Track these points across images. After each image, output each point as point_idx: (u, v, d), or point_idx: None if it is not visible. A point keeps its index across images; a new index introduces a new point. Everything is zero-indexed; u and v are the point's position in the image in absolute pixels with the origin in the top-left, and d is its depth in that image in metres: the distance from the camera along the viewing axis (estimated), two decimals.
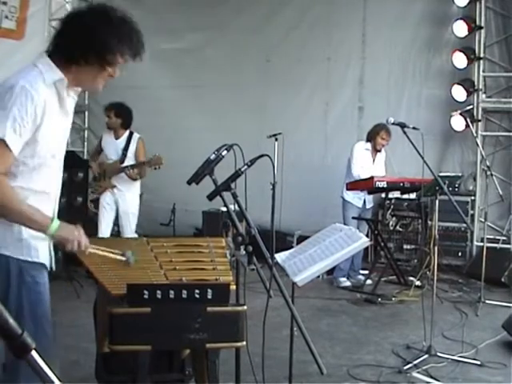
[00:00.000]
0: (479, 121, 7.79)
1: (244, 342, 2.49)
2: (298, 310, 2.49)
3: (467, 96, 7.72)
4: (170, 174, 7.00)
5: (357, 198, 7.13)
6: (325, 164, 8.69)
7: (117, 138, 6.70)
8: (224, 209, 2.61)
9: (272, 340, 4.22)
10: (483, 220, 6.99)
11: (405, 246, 7.89)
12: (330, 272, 6.94)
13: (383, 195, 7.63)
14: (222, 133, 7.59)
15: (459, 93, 7.73)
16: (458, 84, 7.73)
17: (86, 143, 10.01)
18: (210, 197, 2.58)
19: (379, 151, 7.17)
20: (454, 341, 4.96)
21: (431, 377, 4.17)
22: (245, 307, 2.50)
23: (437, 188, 4.82)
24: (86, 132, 9.89)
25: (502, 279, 6.93)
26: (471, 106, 7.79)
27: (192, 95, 9.06)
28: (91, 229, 6.83)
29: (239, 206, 2.55)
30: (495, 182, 6.78)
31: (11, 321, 1.17)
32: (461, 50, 7.68)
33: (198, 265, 2.82)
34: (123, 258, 2.64)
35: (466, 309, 6.02)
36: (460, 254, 7.79)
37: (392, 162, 7.92)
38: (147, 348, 2.42)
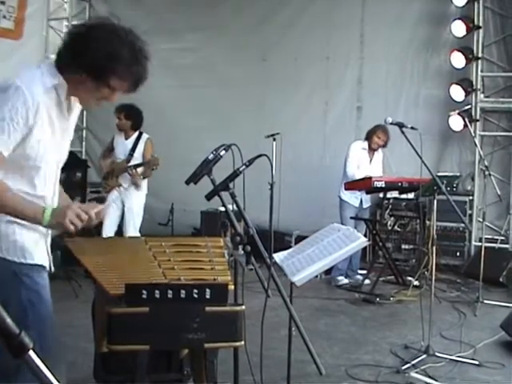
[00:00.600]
0: (477, 121, 7.79)
1: (242, 342, 2.49)
2: (296, 310, 2.50)
3: (465, 96, 7.72)
4: (169, 173, 7.00)
5: (354, 198, 7.13)
6: (323, 164, 8.69)
7: (126, 138, 6.80)
8: (222, 209, 2.61)
9: (270, 340, 4.22)
10: (481, 220, 7.00)
11: (403, 246, 7.90)
12: (328, 272, 6.95)
13: (381, 195, 7.64)
14: (220, 133, 7.60)
15: (457, 93, 7.74)
16: (456, 84, 7.74)
17: (84, 143, 10.02)
18: (209, 197, 2.58)
19: (375, 150, 7.17)
20: (452, 341, 4.96)
21: (429, 377, 4.17)
22: (243, 307, 2.50)
23: (435, 188, 4.83)
24: (84, 132, 9.90)
25: (500, 279, 6.94)
26: (469, 106, 7.80)
27: (190, 95, 9.06)
28: (91, 228, 6.83)
29: (237, 205, 2.55)
30: (493, 182, 6.79)
31: (9, 320, 1.17)
32: (459, 50, 7.68)
33: (197, 264, 2.82)
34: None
35: (464, 309, 6.03)
36: (458, 253, 7.80)
37: (390, 162, 7.93)
38: (145, 348, 2.42)
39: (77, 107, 2.45)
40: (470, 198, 7.89)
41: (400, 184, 6.74)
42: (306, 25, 8.65)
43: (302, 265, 2.98)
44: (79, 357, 4.17)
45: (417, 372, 4.25)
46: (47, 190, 2.39)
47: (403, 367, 4.30)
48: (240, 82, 8.85)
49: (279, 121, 8.46)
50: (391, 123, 4.78)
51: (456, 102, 7.75)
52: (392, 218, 7.80)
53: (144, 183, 6.82)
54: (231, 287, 2.62)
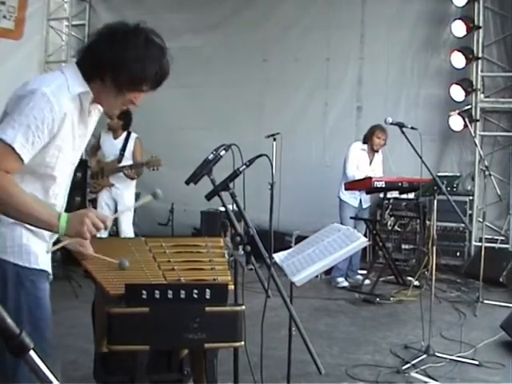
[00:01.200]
0: (477, 121, 7.80)
1: (242, 342, 2.49)
2: (297, 310, 2.50)
3: (465, 96, 7.73)
4: (169, 173, 7.01)
5: (353, 198, 7.13)
6: (323, 164, 8.70)
7: (115, 137, 6.82)
8: (222, 209, 2.61)
9: (270, 340, 4.22)
10: (481, 220, 7.01)
11: (403, 246, 7.90)
12: (329, 272, 6.95)
13: (381, 195, 7.64)
14: (220, 133, 7.61)
15: (457, 93, 7.74)
16: (457, 84, 7.74)
17: None
18: (209, 197, 2.58)
19: (377, 151, 7.18)
20: (452, 341, 4.95)
21: (429, 377, 4.17)
22: (243, 307, 2.50)
23: (435, 188, 4.83)
24: None
25: (501, 279, 6.94)
26: (469, 106, 7.80)
27: (190, 95, 9.06)
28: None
29: (237, 205, 2.55)
30: (493, 182, 6.79)
31: (9, 320, 1.17)
32: (459, 50, 7.69)
33: (197, 265, 2.82)
34: (116, 261, 2.60)
35: (464, 309, 6.03)
36: (458, 253, 7.80)
37: (390, 162, 7.93)
38: (145, 348, 2.42)
39: (96, 112, 2.40)
40: (470, 198, 7.90)
41: (400, 184, 6.74)
42: (306, 25, 8.65)
43: (302, 265, 2.98)
44: (79, 357, 4.17)
45: (417, 372, 4.25)
46: (59, 198, 2.37)
47: (403, 367, 4.30)
48: (240, 82, 8.84)
49: (279, 121, 8.47)
50: (391, 123, 4.78)
51: (456, 102, 7.75)
52: (392, 218, 7.80)
53: (133, 182, 6.92)
54: (231, 287, 2.62)
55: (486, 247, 6.47)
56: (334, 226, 3.38)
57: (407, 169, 6.98)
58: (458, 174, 7.76)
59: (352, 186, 6.94)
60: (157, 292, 2.37)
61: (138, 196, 8.16)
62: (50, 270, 2.38)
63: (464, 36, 7.72)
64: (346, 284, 7.12)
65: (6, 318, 1.16)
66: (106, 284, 2.52)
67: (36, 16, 8.95)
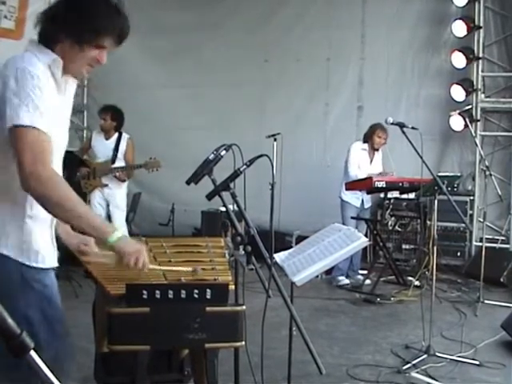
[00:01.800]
0: (478, 121, 7.80)
1: (243, 342, 2.49)
2: (297, 310, 2.49)
3: (466, 96, 7.73)
4: (169, 174, 7.01)
5: (355, 198, 7.13)
6: (324, 164, 8.70)
7: (107, 138, 6.90)
8: (223, 209, 2.61)
9: (271, 340, 4.22)
10: (482, 220, 7.01)
11: (404, 246, 7.90)
12: (329, 272, 6.95)
13: (382, 195, 7.64)
14: (220, 133, 7.61)
15: (458, 93, 7.74)
16: (457, 84, 7.74)
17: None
18: (209, 197, 2.58)
19: (377, 150, 7.18)
20: (453, 341, 4.96)
21: (430, 377, 4.17)
22: (244, 307, 2.50)
23: (436, 188, 4.82)
24: (84, 132, 9.89)
25: (501, 279, 6.94)
26: (470, 106, 7.80)
27: (191, 95, 9.06)
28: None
29: (238, 205, 2.55)
30: (494, 182, 6.79)
31: (10, 320, 1.17)
32: (460, 50, 7.69)
33: (197, 265, 2.82)
34: (189, 269, 2.63)
35: (464, 309, 6.03)
36: (459, 253, 7.80)
37: (391, 162, 7.93)
38: (146, 348, 2.42)
39: (71, 85, 2.35)
40: (471, 198, 7.90)
41: (401, 184, 6.74)
42: (307, 26, 8.65)
43: (302, 265, 2.98)
44: (79, 357, 4.14)
45: (417, 372, 4.25)
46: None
47: (404, 367, 4.30)
48: (241, 82, 8.84)
49: (280, 121, 8.47)
50: (392, 123, 4.78)
51: (457, 102, 7.75)
52: (393, 218, 7.80)
53: (125, 182, 7.01)
54: (232, 287, 2.62)
55: (486, 247, 6.47)
56: (334, 225, 3.37)
57: (408, 169, 6.97)
58: (459, 174, 7.76)
59: (353, 185, 6.94)
60: (157, 292, 2.37)
61: (138, 196, 8.20)
62: (55, 263, 2.32)
63: (464, 36, 7.72)
64: (347, 282, 7.12)
65: (6, 318, 1.16)
66: (107, 284, 2.51)
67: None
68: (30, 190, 2.03)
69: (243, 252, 2.49)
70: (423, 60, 8.25)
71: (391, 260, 7.17)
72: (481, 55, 7.76)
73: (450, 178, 7.10)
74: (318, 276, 5.32)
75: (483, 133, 7.90)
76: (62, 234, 2.52)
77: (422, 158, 4.54)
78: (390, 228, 7.75)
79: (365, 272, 7.33)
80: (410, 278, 6.97)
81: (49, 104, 2.09)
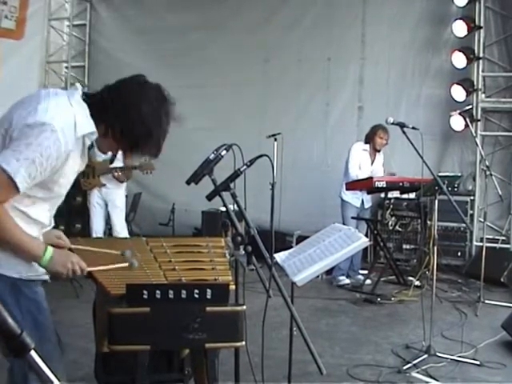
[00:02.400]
0: (478, 121, 7.79)
1: (243, 342, 2.49)
2: (298, 310, 2.49)
3: (466, 96, 7.72)
4: (170, 173, 7.01)
5: (355, 198, 7.13)
6: (324, 164, 8.70)
7: None
8: (223, 209, 2.61)
9: (271, 340, 4.23)
10: (482, 220, 7.00)
11: (404, 246, 7.89)
12: (330, 272, 6.95)
13: (382, 195, 7.64)
14: (221, 133, 7.60)
15: (458, 93, 7.74)
16: (458, 84, 7.74)
17: None
18: (209, 197, 2.58)
19: (379, 151, 7.18)
20: (454, 341, 4.96)
21: (430, 377, 4.17)
22: (244, 307, 2.50)
23: (436, 188, 4.82)
24: None
25: (502, 279, 6.93)
26: (470, 106, 7.80)
27: (191, 95, 9.04)
28: (90, 228, 6.93)
29: (238, 206, 2.55)
30: (494, 182, 6.78)
31: (10, 320, 1.17)
32: (460, 50, 7.68)
33: (198, 265, 2.82)
34: (125, 264, 2.63)
35: (465, 309, 6.02)
36: (459, 253, 7.80)
37: (391, 162, 7.93)
38: (146, 348, 2.42)
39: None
40: (471, 198, 7.89)
41: (401, 184, 6.74)
42: (308, 26, 8.66)
43: (303, 265, 2.98)
44: (80, 357, 4.18)
45: (418, 372, 4.25)
46: (48, 218, 2.40)
47: (404, 367, 4.30)
48: (242, 82, 8.85)
49: (280, 121, 8.48)
50: (392, 123, 4.78)
51: (457, 102, 7.75)
52: (393, 218, 7.80)
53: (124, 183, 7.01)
54: (232, 287, 2.62)
55: (487, 247, 6.47)
56: (335, 225, 3.38)
57: (408, 169, 6.98)
58: (459, 174, 7.76)
59: (353, 185, 6.94)
60: (158, 292, 2.37)
61: (138, 195, 8.20)
62: (43, 274, 2.40)
63: (465, 36, 7.72)
64: (347, 282, 7.12)
65: (6, 318, 1.17)
66: (107, 284, 2.52)
67: (37, 16, 8.94)
68: None
69: (243, 252, 2.49)
70: (424, 60, 8.24)
71: (392, 260, 7.17)
72: (481, 55, 7.75)
73: (451, 177, 7.11)
74: (318, 276, 5.30)
75: (484, 133, 7.90)
76: None
77: (422, 158, 4.53)
78: (391, 228, 7.75)
79: (365, 272, 7.33)
80: (411, 278, 6.96)
81: (51, 171, 2.16)
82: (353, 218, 7.03)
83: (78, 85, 2.32)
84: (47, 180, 2.20)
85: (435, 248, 4.79)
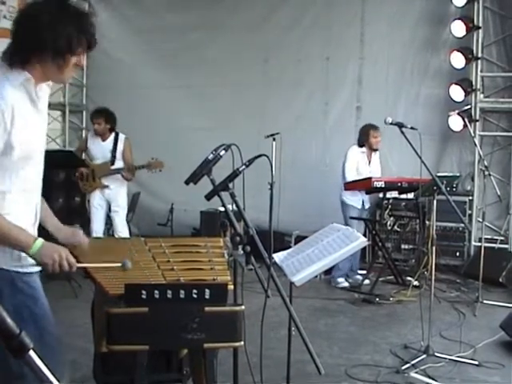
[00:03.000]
0: (477, 121, 7.79)
1: (242, 342, 2.49)
2: (296, 310, 2.50)
3: (465, 96, 7.72)
4: (168, 173, 7.00)
5: (356, 200, 7.11)
6: (323, 164, 8.69)
7: (103, 140, 6.88)
8: (222, 209, 2.61)
9: (270, 340, 4.23)
10: (481, 220, 7.00)
11: (403, 246, 7.89)
12: (328, 272, 6.94)
13: (381, 195, 7.64)
14: (220, 133, 7.59)
15: (457, 93, 7.74)
16: (456, 84, 7.74)
17: None
18: (208, 197, 2.58)
19: (376, 150, 7.17)
20: (452, 341, 4.96)
21: (429, 377, 4.18)
22: (243, 307, 2.50)
23: (435, 188, 4.83)
24: (83, 132, 9.89)
25: (500, 279, 6.94)
26: (469, 106, 7.80)
27: (190, 95, 9.07)
28: (90, 228, 6.93)
29: (237, 205, 2.55)
30: (493, 182, 6.79)
31: (9, 320, 1.17)
32: (459, 50, 7.68)
33: (196, 265, 2.82)
34: (118, 264, 2.61)
35: (463, 309, 6.03)
36: (458, 253, 7.80)
37: (390, 162, 7.93)
38: (145, 348, 2.42)
39: (44, 91, 2.40)
40: (470, 198, 7.89)
41: (400, 184, 6.75)
42: (307, 25, 8.65)
43: (301, 265, 2.98)
44: (78, 357, 4.17)
45: (416, 372, 4.25)
46: (31, 186, 2.39)
47: (403, 367, 4.30)
48: (241, 82, 8.84)
49: (279, 121, 8.47)
50: (391, 123, 4.78)
51: (456, 102, 7.75)
52: (392, 218, 7.80)
53: (125, 182, 7.02)
54: (231, 287, 2.62)
55: (485, 247, 6.47)
56: (333, 225, 3.38)
57: (407, 169, 6.99)
58: (458, 174, 7.76)
59: (352, 186, 6.94)
60: (156, 292, 2.37)
61: (137, 196, 8.20)
62: (39, 268, 2.40)
63: (463, 36, 7.72)
64: (346, 285, 7.12)
65: (5, 317, 1.16)
66: (106, 284, 2.52)
67: None
68: None
69: (242, 252, 2.49)
70: (422, 60, 8.24)
71: (390, 260, 7.17)
72: (480, 55, 7.75)
73: (449, 178, 7.10)
74: (317, 276, 5.31)
75: (482, 133, 7.90)
76: (51, 228, 2.58)
77: (420, 158, 4.54)
78: (389, 228, 7.74)
79: (364, 272, 7.33)
80: (409, 278, 6.97)
81: (4, 130, 2.16)
82: (351, 217, 7.03)
83: None
84: (6, 145, 2.19)
85: (434, 248, 4.79)
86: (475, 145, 7.21)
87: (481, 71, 7.81)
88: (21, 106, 2.24)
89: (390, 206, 7.84)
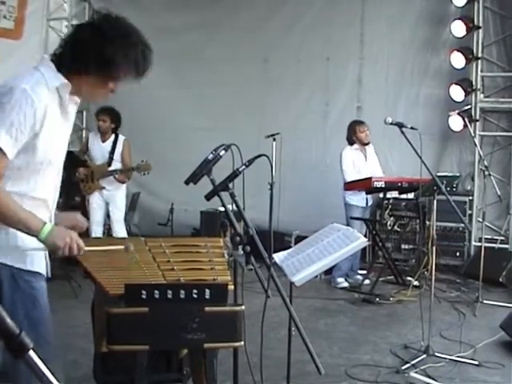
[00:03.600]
0: (477, 121, 7.79)
1: (242, 342, 2.49)
2: (296, 310, 2.50)
3: (465, 96, 7.72)
4: (168, 173, 7.01)
5: (360, 199, 7.09)
6: (323, 164, 8.69)
7: (103, 141, 6.91)
8: (222, 209, 2.61)
9: (270, 340, 4.23)
10: (481, 220, 7.00)
11: (403, 246, 7.89)
12: (328, 272, 6.94)
13: (381, 195, 7.64)
14: (220, 133, 7.60)
15: (457, 93, 7.74)
16: (456, 84, 7.74)
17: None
18: (208, 197, 2.58)
19: (367, 144, 7.15)
20: (452, 341, 4.95)
21: (429, 377, 4.17)
22: (243, 307, 2.50)
23: (435, 188, 4.82)
24: (84, 132, 9.88)
25: (500, 279, 6.94)
26: (469, 106, 7.80)
27: (190, 95, 9.06)
28: (89, 228, 6.94)
29: (237, 206, 2.55)
30: (493, 182, 6.79)
31: (9, 320, 1.17)
32: (459, 50, 7.68)
33: (196, 265, 2.82)
34: (121, 246, 2.60)
35: (463, 309, 6.02)
36: (458, 253, 7.80)
37: (390, 162, 7.93)
38: (145, 348, 2.42)
39: (73, 105, 2.42)
40: (470, 198, 7.89)
41: (400, 184, 6.74)
42: (307, 25, 8.65)
43: (301, 265, 2.98)
44: (79, 357, 4.17)
45: (416, 372, 4.24)
46: (49, 192, 2.39)
47: (403, 367, 4.30)
48: (241, 82, 8.84)
49: (279, 121, 8.46)
50: (391, 123, 4.78)
51: (456, 102, 7.75)
52: (392, 218, 7.79)
53: (124, 184, 7.03)
54: (231, 287, 2.62)
55: (485, 247, 6.46)
56: (333, 225, 3.38)
57: (407, 169, 6.98)
58: (458, 174, 7.77)
59: (352, 186, 6.94)
60: (156, 292, 2.38)
61: (137, 196, 8.20)
62: (44, 272, 2.41)
63: (464, 36, 7.72)
64: (346, 285, 7.12)
65: (5, 317, 1.16)
66: (106, 284, 2.52)
67: (36, 16, 8.94)
68: None
69: (242, 252, 2.49)
70: (422, 60, 8.24)
71: (390, 260, 7.17)
72: (480, 55, 7.75)
73: (449, 178, 7.11)
74: (317, 276, 5.31)
75: (482, 133, 7.90)
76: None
77: (421, 158, 4.53)
78: (389, 228, 7.74)
79: (364, 272, 7.33)
80: (409, 278, 6.97)
81: (32, 128, 2.18)
82: (352, 217, 7.02)
83: (45, 56, 2.35)
84: (30, 144, 2.20)
85: (434, 248, 4.79)
86: (475, 145, 7.21)
87: (481, 71, 7.81)
88: (53, 108, 2.26)
89: (390, 206, 7.84)
